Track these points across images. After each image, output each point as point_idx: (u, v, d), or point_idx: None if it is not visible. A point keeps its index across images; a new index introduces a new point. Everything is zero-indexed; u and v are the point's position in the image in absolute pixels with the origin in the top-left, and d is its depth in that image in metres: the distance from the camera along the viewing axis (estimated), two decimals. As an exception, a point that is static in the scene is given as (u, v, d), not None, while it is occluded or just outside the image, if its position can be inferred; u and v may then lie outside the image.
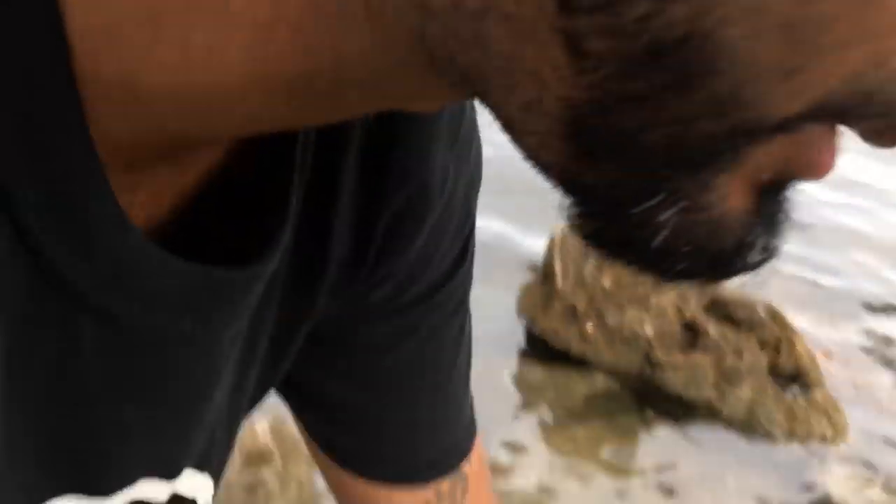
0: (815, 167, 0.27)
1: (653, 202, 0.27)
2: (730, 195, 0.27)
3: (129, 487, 0.40)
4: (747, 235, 0.28)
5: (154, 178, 0.35)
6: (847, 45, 0.23)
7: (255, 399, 0.50)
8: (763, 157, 0.26)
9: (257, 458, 1.99)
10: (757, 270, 0.29)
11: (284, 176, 0.38)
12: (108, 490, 0.40)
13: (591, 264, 2.71)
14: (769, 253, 0.29)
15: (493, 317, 2.69)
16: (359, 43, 0.28)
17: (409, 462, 0.59)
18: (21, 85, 0.28)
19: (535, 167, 0.29)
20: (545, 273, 2.85)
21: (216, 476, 0.47)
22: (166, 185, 0.36)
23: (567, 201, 0.29)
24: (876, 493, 2.36)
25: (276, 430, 2.06)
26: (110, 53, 0.29)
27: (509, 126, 0.28)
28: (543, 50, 0.25)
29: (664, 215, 0.27)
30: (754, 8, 0.23)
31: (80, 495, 0.38)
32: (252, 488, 1.97)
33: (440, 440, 0.60)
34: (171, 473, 0.43)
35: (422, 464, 0.60)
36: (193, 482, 0.45)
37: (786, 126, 0.25)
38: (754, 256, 0.29)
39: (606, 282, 2.68)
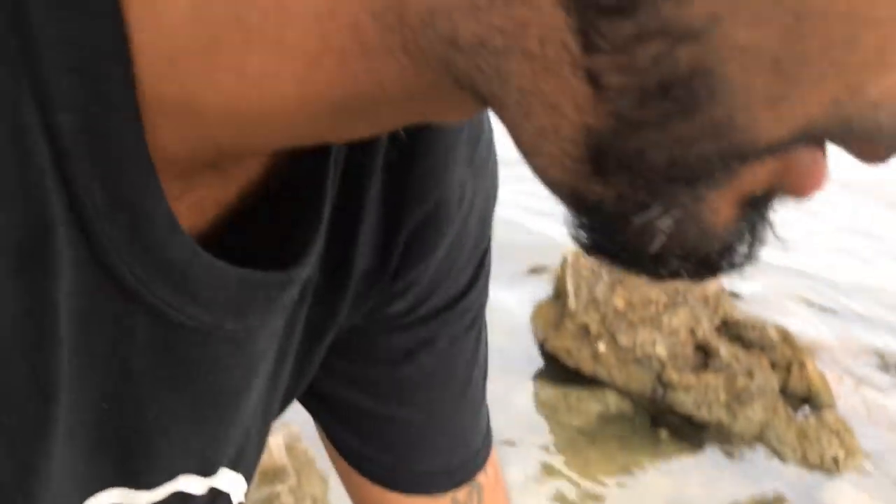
0: (803, 187, 0.31)
1: (652, 212, 0.31)
2: (719, 207, 0.31)
3: (170, 482, 0.43)
4: (732, 241, 0.32)
5: (199, 189, 0.39)
6: (825, 78, 0.27)
7: (285, 402, 0.52)
8: (753, 176, 0.30)
9: (272, 475, 2.00)
10: (738, 271, 0.33)
11: (318, 188, 0.41)
12: (152, 484, 0.42)
13: (603, 284, 2.72)
14: (751, 256, 0.33)
15: (507, 335, 2.70)
16: (395, 70, 0.32)
17: (425, 472, 0.61)
18: (92, 105, 0.31)
19: (543, 182, 0.32)
20: (557, 292, 2.86)
21: (248, 477, 0.49)
22: (210, 195, 0.39)
23: (571, 213, 0.33)
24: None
25: (291, 447, 2.07)
26: (173, 76, 0.32)
27: (522, 147, 0.32)
28: (565, 84, 0.29)
29: (661, 224, 0.31)
30: (747, 48, 0.27)
31: (126, 489, 0.41)
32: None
33: (457, 451, 0.62)
34: (208, 470, 0.45)
35: (439, 473, 0.61)
36: (229, 479, 0.47)
37: (774, 149, 0.29)
38: (737, 259, 0.33)
39: (619, 302, 2.69)
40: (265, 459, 2.01)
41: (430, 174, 0.48)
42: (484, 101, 0.31)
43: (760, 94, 0.27)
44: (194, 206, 0.39)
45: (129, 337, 0.37)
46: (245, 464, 0.48)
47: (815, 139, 0.29)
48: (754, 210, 0.32)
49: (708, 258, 0.32)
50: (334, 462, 0.63)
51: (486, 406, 0.65)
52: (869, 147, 0.30)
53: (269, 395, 0.48)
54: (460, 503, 0.63)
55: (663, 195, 0.30)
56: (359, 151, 0.45)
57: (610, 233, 0.32)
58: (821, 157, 0.31)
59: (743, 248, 0.33)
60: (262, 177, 0.41)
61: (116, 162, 0.32)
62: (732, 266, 0.33)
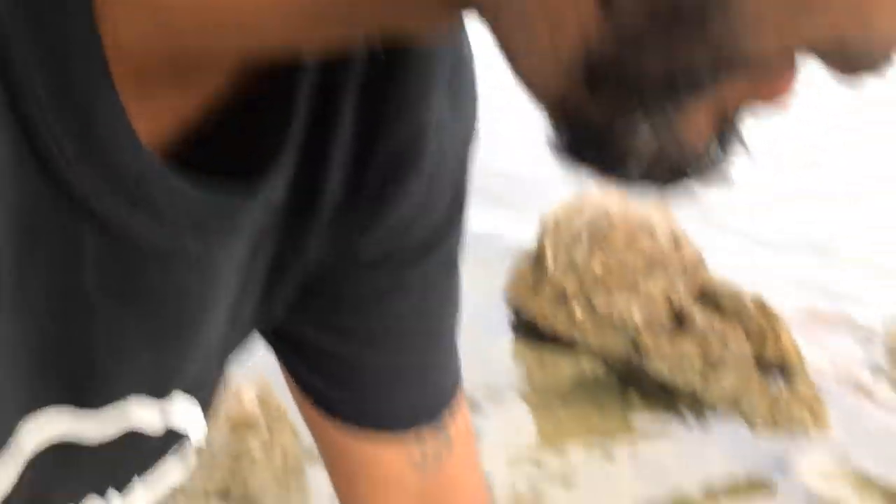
0: (773, 94, 0.31)
1: (634, 120, 0.30)
2: (697, 119, 0.31)
3: (119, 401, 0.41)
4: (706, 150, 0.32)
5: (159, 97, 0.36)
6: (832, 7, 0.27)
7: (247, 334, 0.50)
8: (733, 89, 0.30)
9: (243, 426, 2.00)
10: (708, 180, 0.34)
11: (287, 102, 0.39)
12: (99, 403, 0.40)
13: (581, 249, 2.72)
14: (722, 168, 0.33)
15: (482, 298, 2.70)
16: None
17: (394, 409, 0.60)
18: None
19: (529, 89, 0.31)
20: (536, 256, 2.86)
21: (206, 407, 0.47)
22: (170, 106, 0.36)
23: (551, 118, 0.32)
24: (850, 481, 2.39)
25: (262, 399, 2.06)
26: None
27: (512, 55, 0.31)
28: None
29: (641, 131, 0.31)
30: None
31: (71, 406, 0.39)
32: (237, 456, 1.98)
33: (426, 391, 0.60)
34: (161, 392, 0.43)
35: (407, 411, 0.60)
36: (184, 409, 0.45)
37: (763, 62, 0.29)
38: (709, 167, 0.33)
39: (596, 267, 2.69)
40: (236, 411, 2.01)
41: (407, 100, 0.46)
42: (476, 5, 0.30)
43: (769, 20, 0.27)
44: (153, 117, 0.36)
45: (78, 252, 0.34)
46: (203, 394, 0.46)
47: (804, 56, 0.29)
48: (728, 123, 0.32)
49: (682, 166, 0.32)
50: (300, 406, 0.61)
51: (457, 350, 0.63)
52: (849, 65, 0.30)
53: (231, 328, 0.46)
54: (428, 455, 0.61)
55: (648, 105, 0.30)
56: (333, 69, 0.42)
57: (589, 138, 0.31)
58: (790, 68, 0.30)
59: (715, 160, 0.33)
60: (229, 92, 0.38)
61: (63, 50, 0.29)
62: (703, 177, 0.33)
